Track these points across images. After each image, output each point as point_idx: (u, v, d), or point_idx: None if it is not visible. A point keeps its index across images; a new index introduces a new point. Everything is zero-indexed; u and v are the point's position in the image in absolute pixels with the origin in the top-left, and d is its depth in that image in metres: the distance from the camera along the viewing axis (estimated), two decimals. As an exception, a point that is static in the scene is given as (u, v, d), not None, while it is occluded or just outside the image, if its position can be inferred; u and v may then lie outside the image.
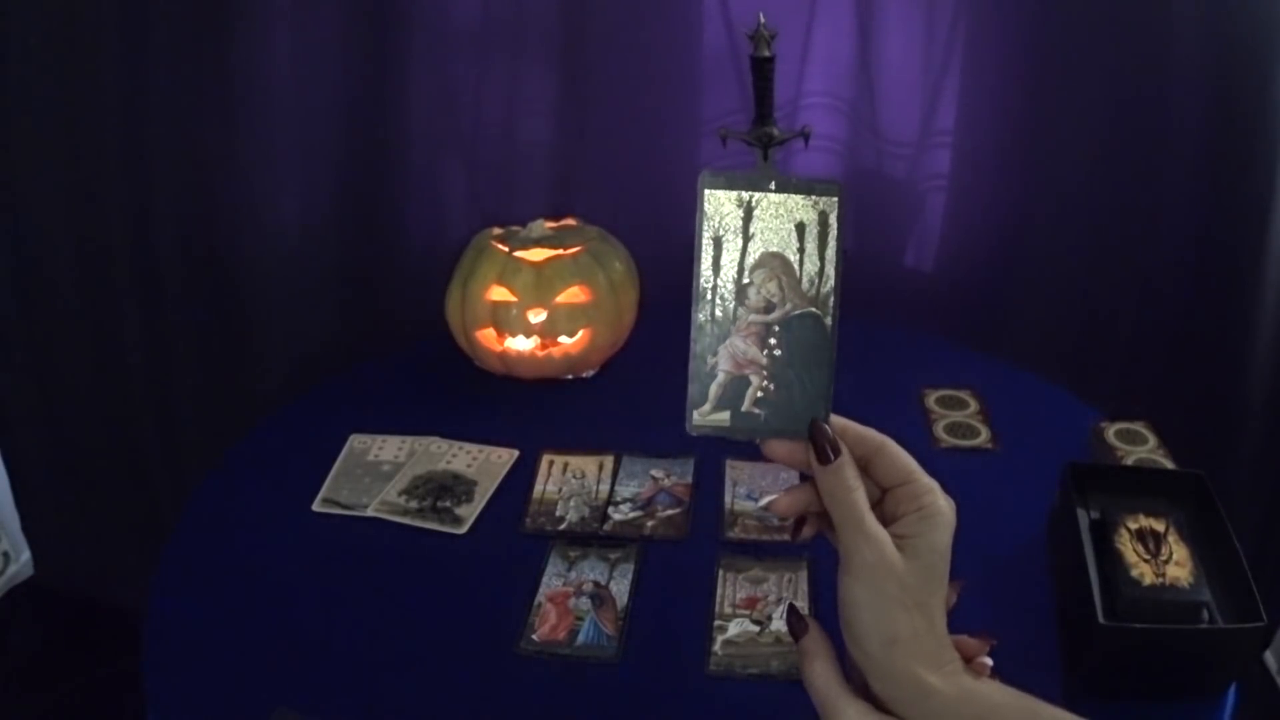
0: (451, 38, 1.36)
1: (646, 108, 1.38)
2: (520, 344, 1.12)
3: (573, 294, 1.11)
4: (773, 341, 0.51)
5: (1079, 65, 1.27)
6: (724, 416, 0.52)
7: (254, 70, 1.35)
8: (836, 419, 0.51)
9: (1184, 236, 1.34)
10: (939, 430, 1.06)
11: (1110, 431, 0.98)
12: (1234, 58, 1.22)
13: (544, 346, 1.12)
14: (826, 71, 1.35)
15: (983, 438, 1.05)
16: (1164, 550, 0.76)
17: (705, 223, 0.51)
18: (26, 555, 1.82)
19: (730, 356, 0.51)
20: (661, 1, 1.34)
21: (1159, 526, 0.78)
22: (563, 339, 1.12)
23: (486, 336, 1.13)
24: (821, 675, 0.49)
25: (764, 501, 0.94)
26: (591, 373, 1.18)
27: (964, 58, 1.33)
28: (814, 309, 0.51)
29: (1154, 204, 1.33)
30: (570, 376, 1.17)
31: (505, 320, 1.11)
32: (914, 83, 1.34)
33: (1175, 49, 1.24)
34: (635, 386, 1.15)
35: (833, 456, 0.50)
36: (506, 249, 1.12)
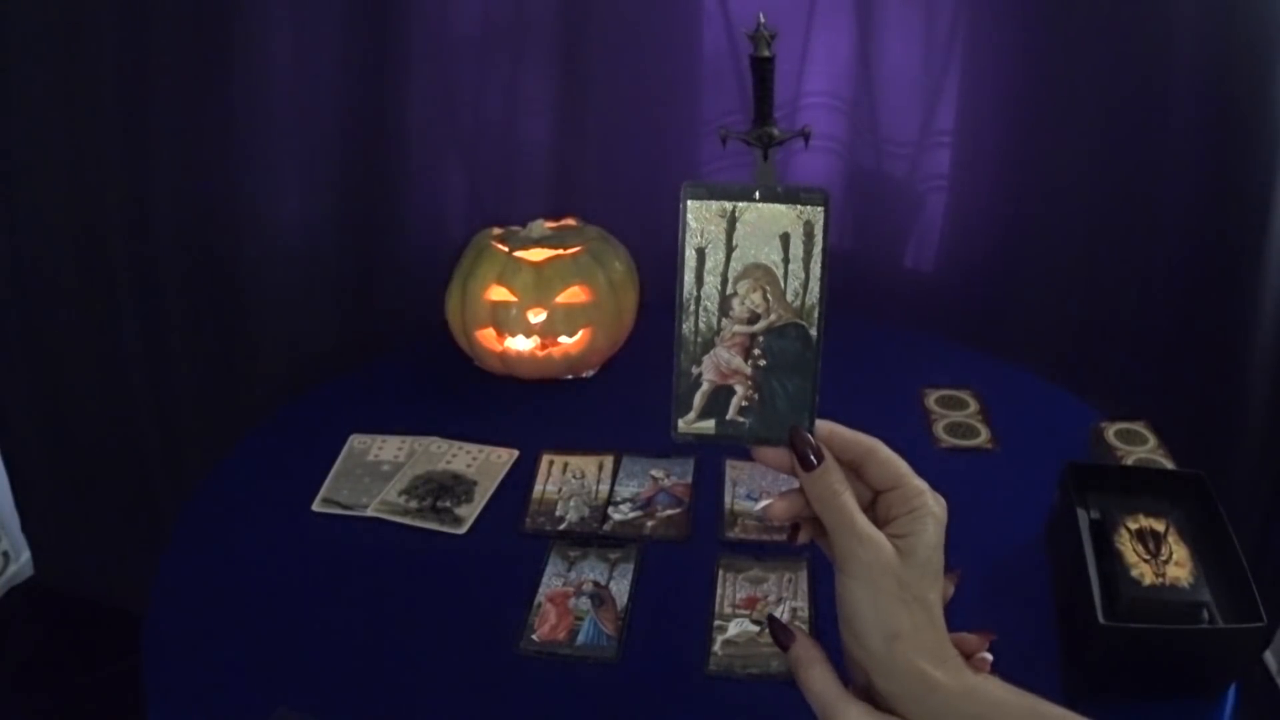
0: (452, 38, 1.36)
1: (646, 108, 1.38)
2: (520, 344, 1.12)
3: (573, 294, 1.11)
4: (757, 352, 0.51)
5: (1079, 65, 1.27)
6: (708, 424, 0.52)
7: (254, 70, 1.35)
8: (824, 423, 0.51)
9: (1184, 236, 1.34)
10: (939, 430, 1.06)
11: (1110, 431, 0.98)
12: (1234, 58, 1.22)
13: (544, 346, 1.12)
14: (826, 71, 1.35)
15: (983, 438, 1.05)
16: (1164, 550, 0.76)
17: (688, 234, 0.51)
18: (26, 555, 1.82)
19: (714, 367, 0.51)
20: (661, 2, 1.34)
21: (1159, 526, 0.78)
22: (563, 339, 1.12)
23: (486, 336, 1.13)
24: (819, 680, 0.49)
25: (759, 506, 0.94)
26: (591, 373, 1.18)
27: (964, 58, 1.33)
28: (799, 320, 0.51)
29: (1153, 204, 1.33)
30: (570, 376, 1.17)
31: (505, 320, 1.11)
32: (914, 83, 1.34)
33: (1175, 49, 1.24)
34: (635, 386, 1.14)
35: (815, 462, 0.50)
36: (506, 249, 1.12)
